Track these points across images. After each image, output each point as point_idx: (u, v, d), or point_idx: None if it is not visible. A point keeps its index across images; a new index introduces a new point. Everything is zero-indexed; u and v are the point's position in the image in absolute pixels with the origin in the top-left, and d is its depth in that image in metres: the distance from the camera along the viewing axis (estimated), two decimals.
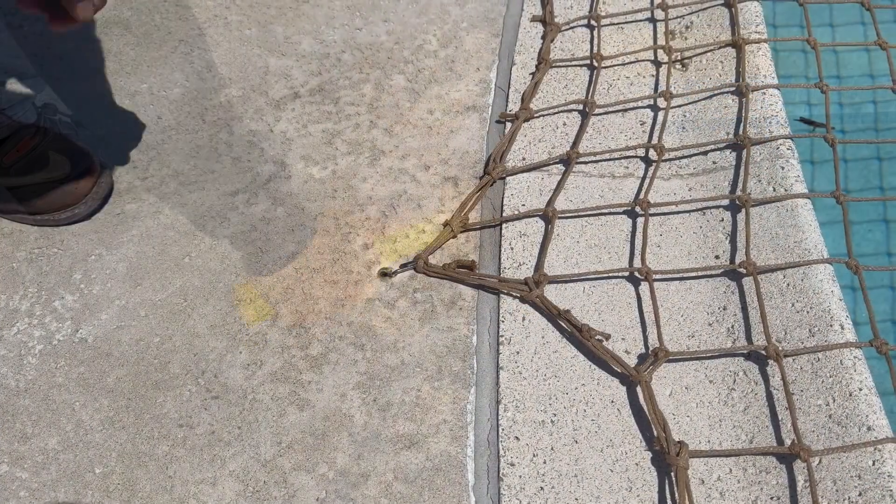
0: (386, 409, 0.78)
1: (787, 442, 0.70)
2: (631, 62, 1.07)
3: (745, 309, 0.81)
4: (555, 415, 0.76)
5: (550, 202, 0.89)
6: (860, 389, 0.72)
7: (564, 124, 1.02)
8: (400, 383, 0.79)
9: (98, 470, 0.75)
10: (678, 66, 1.05)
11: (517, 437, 0.74)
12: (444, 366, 0.80)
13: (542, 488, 0.71)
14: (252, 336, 0.83)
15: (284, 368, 0.81)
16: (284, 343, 0.83)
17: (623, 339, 0.81)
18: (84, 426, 0.77)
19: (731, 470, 0.72)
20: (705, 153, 0.94)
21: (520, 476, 0.72)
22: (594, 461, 0.72)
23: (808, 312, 0.78)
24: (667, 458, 0.67)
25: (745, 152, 0.90)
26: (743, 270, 0.82)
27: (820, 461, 0.70)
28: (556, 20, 1.11)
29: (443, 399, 0.78)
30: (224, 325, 0.84)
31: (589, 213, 0.89)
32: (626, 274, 0.84)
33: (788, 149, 0.90)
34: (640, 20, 1.13)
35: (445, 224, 0.90)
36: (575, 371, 0.79)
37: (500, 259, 0.88)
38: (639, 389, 0.75)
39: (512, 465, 0.73)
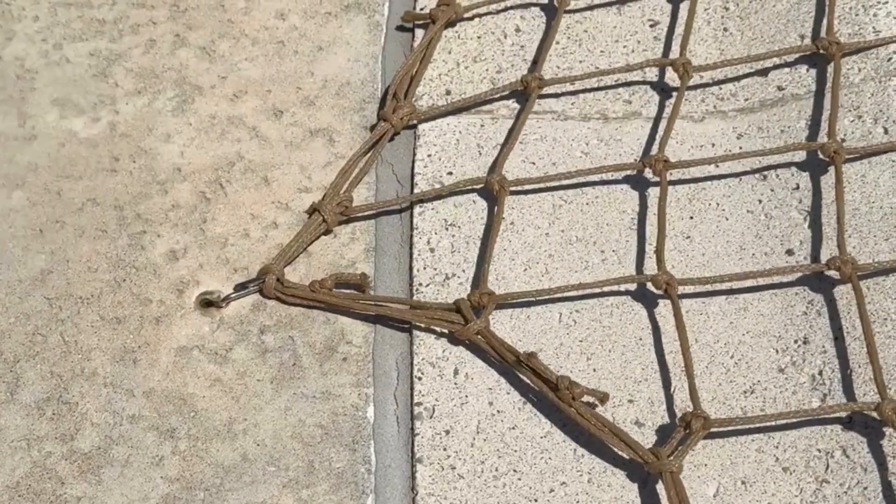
0: None
1: None
2: None
3: (840, 340, 0.68)
4: None
5: (496, 165, 0.78)
6: None
7: (517, 31, 0.88)
8: (241, 496, 0.66)
9: None
10: None
11: None
12: (317, 460, 0.68)
13: None
14: None
15: (32, 476, 0.68)
16: (32, 431, 0.70)
17: (631, 400, 0.69)
18: None
19: None
20: (764, 72, 0.82)
21: None
22: None
23: None
24: None
25: (830, 67, 0.78)
26: (834, 274, 0.70)
27: None
28: None
29: None
30: None
31: (565, 181, 0.78)
32: (633, 286, 0.73)
33: None
34: None
35: (313, 210, 0.80)
36: (550, 461, 0.66)
37: (411, 269, 0.77)
38: (660, 486, 0.63)
39: None
